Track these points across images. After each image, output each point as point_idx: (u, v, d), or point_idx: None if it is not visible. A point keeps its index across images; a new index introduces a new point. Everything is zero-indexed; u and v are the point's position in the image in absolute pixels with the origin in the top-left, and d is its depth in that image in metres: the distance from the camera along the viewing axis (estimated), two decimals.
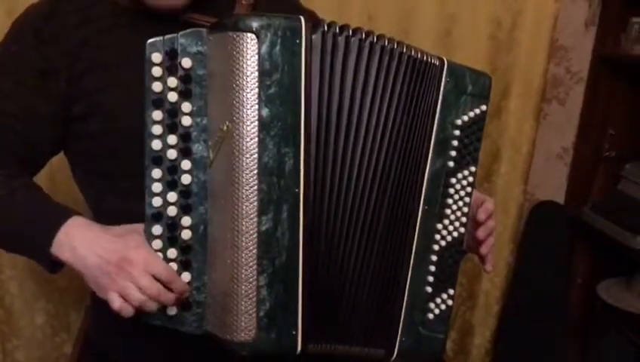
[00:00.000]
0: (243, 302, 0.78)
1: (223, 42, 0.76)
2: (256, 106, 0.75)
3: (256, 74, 0.75)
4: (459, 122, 0.89)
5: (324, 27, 0.80)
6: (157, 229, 0.79)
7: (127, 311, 0.77)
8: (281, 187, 0.78)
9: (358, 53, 0.83)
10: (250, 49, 0.74)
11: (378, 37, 0.85)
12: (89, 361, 1.12)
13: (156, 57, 0.76)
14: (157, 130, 0.77)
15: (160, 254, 0.79)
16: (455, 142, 0.89)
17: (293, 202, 0.79)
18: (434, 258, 0.91)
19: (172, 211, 0.79)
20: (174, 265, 0.80)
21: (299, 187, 0.79)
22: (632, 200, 1.82)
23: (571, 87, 1.96)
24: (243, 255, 0.77)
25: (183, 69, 0.77)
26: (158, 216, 0.79)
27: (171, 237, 0.79)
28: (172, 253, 0.79)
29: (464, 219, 0.92)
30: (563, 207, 1.98)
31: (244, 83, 0.75)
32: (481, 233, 0.93)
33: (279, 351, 0.82)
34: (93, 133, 0.89)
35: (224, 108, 0.76)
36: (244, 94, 0.75)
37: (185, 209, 0.79)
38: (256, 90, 0.75)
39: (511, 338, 1.94)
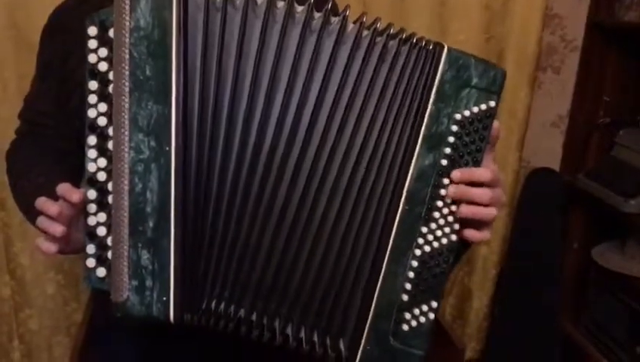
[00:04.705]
0: (118, 263, 0.79)
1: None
2: (128, 63, 0.76)
3: (129, 30, 0.75)
4: (458, 117, 0.79)
5: None
6: (92, 193, 0.81)
7: (45, 246, 0.82)
8: (150, 146, 0.77)
9: (268, 18, 0.78)
10: (127, 6, 0.75)
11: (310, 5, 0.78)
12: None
13: (92, 30, 0.78)
14: (92, 99, 0.79)
15: (93, 217, 0.81)
16: (451, 139, 0.79)
17: (164, 162, 0.77)
18: (414, 263, 0.81)
19: (102, 176, 0.80)
20: (104, 229, 0.81)
21: (170, 145, 0.77)
22: (625, 166, 1.84)
23: (566, 55, 1.99)
24: (119, 215, 0.78)
25: (112, 39, 0.78)
26: (93, 181, 0.81)
27: (101, 202, 0.81)
28: (102, 216, 0.81)
29: (457, 226, 0.81)
30: (558, 174, 2.01)
31: (122, 40, 0.76)
32: (450, 190, 0.80)
33: (151, 316, 0.80)
34: (74, 109, 0.94)
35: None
36: (120, 52, 0.76)
37: (111, 174, 0.80)
38: (129, 46, 0.76)
39: (508, 302, 1.99)
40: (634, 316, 1.77)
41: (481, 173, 0.80)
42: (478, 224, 0.82)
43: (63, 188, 0.81)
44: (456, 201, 0.80)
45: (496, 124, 0.80)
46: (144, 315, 0.80)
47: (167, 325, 0.82)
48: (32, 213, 0.89)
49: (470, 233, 0.81)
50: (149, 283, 0.79)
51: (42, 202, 0.81)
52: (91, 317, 1.29)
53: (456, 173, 0.79)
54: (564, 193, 1.97)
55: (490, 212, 0.80)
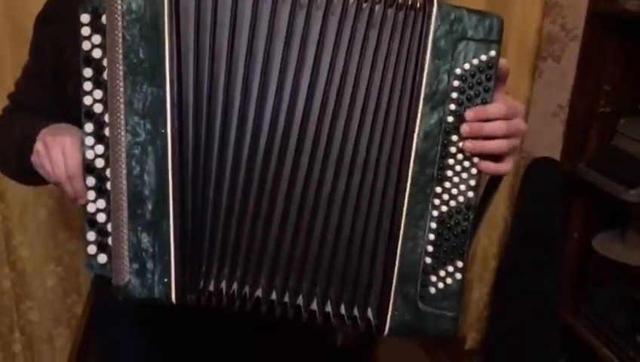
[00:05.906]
0: (118, 246, 0.80)
1: None
2: (121, 47, 0.76)
3: (121, 14, 0.75)
4: (458, 71, 0.78)
5: None
6: (90, 181, 0.82)
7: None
8: (146, 128, 0.78)
9: None
10: None
11: None
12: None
13: (85, 18, 0.79)
14: (87, 86, 0.80)
15: (92, 204, 0.82)
16: (454, 94, 0.78)
17: (161, 144, 0.78)
18: (433, 225, 0.81)
19: (100, 163, 0.81)
20: (103, 216, 0.82)
21: (165, 127, 0.78)
22: (626, 155, 1.84)
23: (566, 44, 1.97)
24: (117, 199, 0.79)
25: (105, 25, 0.78)
26: (91, 169, 0.82)
27: (100, 188, 0.82)
28: (101, 203, 0.82)
29: (472, 182, 0.80)
30: (559, 163, 2.00)
31: (114, 23, 0.76)
32: (464, 128, 0.79)
33: (152, 298, 0.81)
34: (70, 98, 0.93)
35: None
36: (113, 35, 0.76)
37: (108, 160, 0.81)
38: (121, 29, 0.76)
39: (508, 292, 2.00)
40: (634, 305, 1.78)
41: (495, 108, 0.79)
42: (496, 158, 0.81)
43: (76, 172, 0.83)
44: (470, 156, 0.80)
45: (502, 61, 0.79)
46: (145, 297, 0.80)
47: (170, 311, 0.82)
48: (13, 159, 0.93)
49: (485, 165, 0.80)
50: (149, 265, 0.80)
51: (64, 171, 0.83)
52: (92, 308, 1.30)
53: (469, 113, 0.78)
54: (565, 183, 1.97)
55: (500, 145, 0.79)
